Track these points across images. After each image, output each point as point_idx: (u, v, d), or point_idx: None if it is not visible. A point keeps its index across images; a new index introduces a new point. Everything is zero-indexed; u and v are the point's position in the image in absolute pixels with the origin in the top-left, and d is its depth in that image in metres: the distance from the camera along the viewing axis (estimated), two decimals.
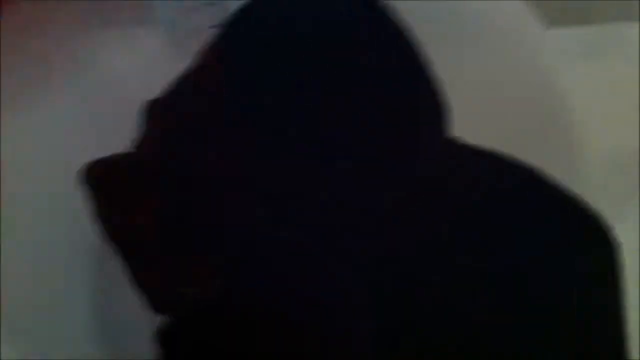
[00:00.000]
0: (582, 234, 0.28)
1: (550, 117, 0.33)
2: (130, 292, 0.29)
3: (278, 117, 0.31)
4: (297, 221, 0.29)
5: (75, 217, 0.28)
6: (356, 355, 0.26)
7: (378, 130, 0.31)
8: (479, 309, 0.25)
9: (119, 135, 0.29)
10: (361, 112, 0.31)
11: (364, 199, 0.29)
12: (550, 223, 0.28)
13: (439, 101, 0.31)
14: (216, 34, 0.30)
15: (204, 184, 0.30)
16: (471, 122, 0.30)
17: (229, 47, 0.31)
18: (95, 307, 0.30)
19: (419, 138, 0.31)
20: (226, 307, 0.28)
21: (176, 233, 0.29)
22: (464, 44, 0.34)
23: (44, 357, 0.29)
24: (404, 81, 0.32)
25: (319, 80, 0.31)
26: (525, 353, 0.25)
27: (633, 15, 0.40)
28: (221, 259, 0.29)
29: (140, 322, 0.29)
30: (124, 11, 0.29)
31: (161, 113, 0.31)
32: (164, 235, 0.29)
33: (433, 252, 0.27)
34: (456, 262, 0.27)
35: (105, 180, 0.30)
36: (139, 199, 0.30)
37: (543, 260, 0.27)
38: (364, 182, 0.30)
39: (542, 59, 0.34)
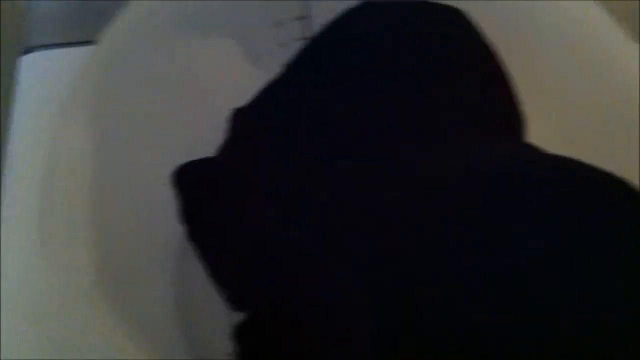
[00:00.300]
0: None
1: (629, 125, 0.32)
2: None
3: (292, 121, 0.32)
4: (299, 221, 0.29)
5: (167, 216, 0.30)
6: (356, 355, 0.26)
7: (378, 131, 0.31)
8: (479, 309, 0.25)
9: (209, 140, 0.30)
10: (361, 113, 0.31)
11: (364, 199, 0.29)
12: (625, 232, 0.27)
13: (513, 107, 0.32)
14: (300, 49, 0.32)
15: (223, 186, 0.32)
16: (548, 129, 0.31)
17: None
18: (178, 303, 0.32)
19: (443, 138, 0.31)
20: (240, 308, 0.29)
21: (197, 234, 0.31)
22: (543, 50, 0.33)
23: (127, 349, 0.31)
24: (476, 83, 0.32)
25: (341, 86, 0.32)
26: (525, 353, 0.24)
27: None
28: (233, 259, 0.30)
29: (221, 318, 0.30)
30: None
31: (242, 121, 0.33)
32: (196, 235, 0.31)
33: (433, 252, 0.27)
34: (457, 262, 0.27)
35: (189, 182, 0.32)
36: (213, 201, 0.32)
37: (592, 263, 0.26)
38: (364, 182, 0.30)
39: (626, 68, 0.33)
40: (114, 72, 0.27)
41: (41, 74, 0.44)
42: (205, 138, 0.31)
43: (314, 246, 0.29)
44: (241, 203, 0.31)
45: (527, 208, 0.27)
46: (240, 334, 0.29)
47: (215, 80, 0.32)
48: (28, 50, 0.45)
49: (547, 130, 0.30)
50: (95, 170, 0.26)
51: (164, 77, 0.30)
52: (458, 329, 0.25)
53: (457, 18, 0.33)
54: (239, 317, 0.30)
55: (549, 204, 0.27)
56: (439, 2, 0.33)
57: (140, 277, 0.27)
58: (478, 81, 0.33)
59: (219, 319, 0.30)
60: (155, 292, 0.29)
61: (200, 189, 0.32)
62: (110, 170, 0.26)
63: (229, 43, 0.32)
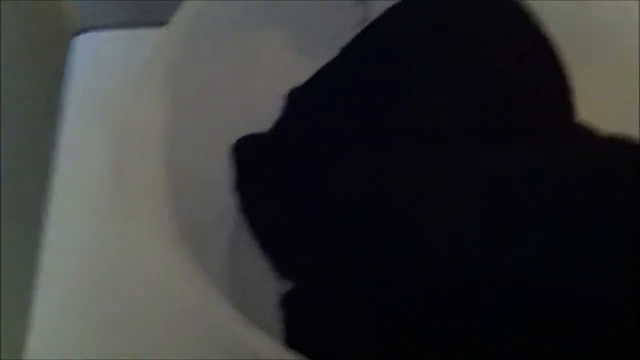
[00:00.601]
0: None
1: None
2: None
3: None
4: (313, 210, 0.31)
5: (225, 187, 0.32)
6: (357, 355, 0.26)
7: (393, 129, 0.32)
8: (481, 309, 0.25)
9: (268, 117, 0.32)
10: (383, 110, 0.32)
11: (369, 196, 0.30)
12: None
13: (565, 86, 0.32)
14: (359, 33, 0.33)
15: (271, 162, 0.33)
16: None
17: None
18: (230, 269, 0.33)
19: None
20: None
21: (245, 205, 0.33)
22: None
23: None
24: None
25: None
26: (526, 353, 0.24)
27: None
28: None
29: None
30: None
31: (295, 100, 0.34)
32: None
33: (433, 253, 0.27)
34: (457, 262, 0.27)
35: (242, 156, 0.33)
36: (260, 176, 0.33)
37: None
38: (372, 179, 0.31)
39: None
40: (183, 54, 0.29)
41: (92, 55, 0.45)
42: (264, 114, 0.33)
43: (319, 239, 0.30)
44: (283, 181, 0.33)
45: (528, 208, 0.27)
46: (286, 303, 0.30)
47: (275, 62, 0.34)
48: (80, 32, 0.46)
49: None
50: (166, 138, 0.27)
51: (229, 60, 0.31)
52: (458, 328, 0.25)
53: (515, 7, 0.33)
54: (286, 285, 0.31)
55: (549, 204, 0.27)
56: None
57: (203, 241, 0.28)
58: (518, 73, 0.33)
59: (268, 287, 0.31)
60: (213, 258, 0.30)
61: (250, 163, 0.33)
62: (179, 140, 0.28)
63: (290, 26, 0.33)
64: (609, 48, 0.33)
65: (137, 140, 0.27)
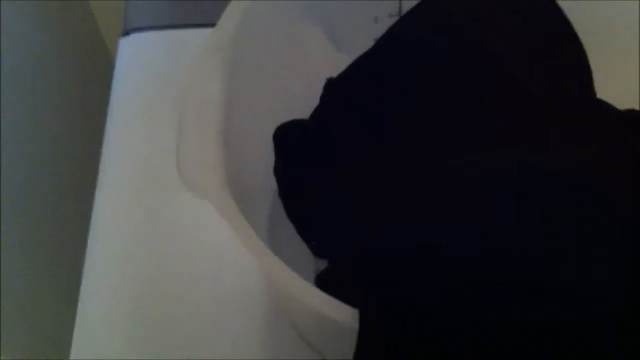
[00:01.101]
0: None
1: None
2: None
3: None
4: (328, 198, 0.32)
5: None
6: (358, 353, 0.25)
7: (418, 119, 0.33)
8: (482, 309, 0.25)
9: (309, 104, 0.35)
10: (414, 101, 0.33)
11: (362, 198, 0.31)
12: None
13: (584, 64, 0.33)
14: (394, 24, 0.35)
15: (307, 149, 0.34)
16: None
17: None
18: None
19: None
20: None
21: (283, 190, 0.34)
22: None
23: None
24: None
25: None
26: (526, 353, 0.24)
27: None
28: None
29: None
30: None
31: (332, 89, 0.36)
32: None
33: (433, 252, 0.28)
34: (458, 262, 0.27)
35: (281, 140, 0.35)
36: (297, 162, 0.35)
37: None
38: (383, 171, 0.32)
39: None
40: (235, 46, 0.30)
41: (138, 55, 0.47)
42: (306, 102, 0.35)
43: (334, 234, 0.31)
44: (311, 171, 0.34)
45: (527, 208, 0.28)
46: (321, 281, 0.31)
47: (319, 53, 0.35)
48: (126, 32, 0.48)
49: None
50: (221, 119, 0.29)
51: (275, 53, 0.33)
52: (457, 328, 0.25)
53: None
54: (322, 263, 0.33)
55: (549, 204, 0.28)
56: None
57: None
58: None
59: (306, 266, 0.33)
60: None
61: (287, 150, 0.35)
62: (232, 122, 0.30)
63: (330, 19, 0.35)
64: (609, 48, 0.34)
65: (195, 122, 0.29)
